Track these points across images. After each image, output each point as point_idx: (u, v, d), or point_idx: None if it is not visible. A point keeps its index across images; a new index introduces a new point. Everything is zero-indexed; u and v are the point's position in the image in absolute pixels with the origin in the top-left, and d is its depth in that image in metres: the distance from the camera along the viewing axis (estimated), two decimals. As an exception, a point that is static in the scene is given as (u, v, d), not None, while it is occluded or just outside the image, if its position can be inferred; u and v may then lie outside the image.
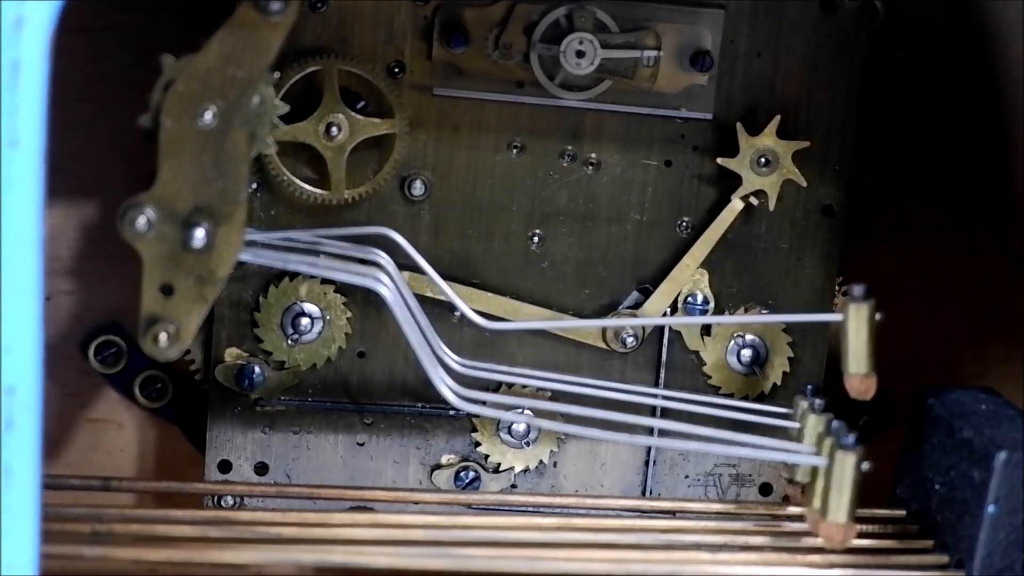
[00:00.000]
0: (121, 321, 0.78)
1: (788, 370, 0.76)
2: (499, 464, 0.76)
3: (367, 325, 0.74)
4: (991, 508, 0.64)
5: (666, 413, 0.74)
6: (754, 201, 0.74)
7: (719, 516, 0.70)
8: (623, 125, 0.73)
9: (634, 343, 0.75)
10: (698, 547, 0.65)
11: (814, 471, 0.65)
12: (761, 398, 0.75)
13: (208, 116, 0.59)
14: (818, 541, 0.65)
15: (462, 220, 0.74)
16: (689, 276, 0.74)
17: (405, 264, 0.72)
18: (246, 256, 0.62)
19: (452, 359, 0.69)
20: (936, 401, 0.69)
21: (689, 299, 0.75)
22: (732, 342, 0.76)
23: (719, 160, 0.73)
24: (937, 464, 0.67)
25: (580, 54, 0.71)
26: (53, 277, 0.77)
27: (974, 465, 0.64)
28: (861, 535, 0.66)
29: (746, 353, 0.75)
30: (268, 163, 0.70)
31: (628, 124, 0.73)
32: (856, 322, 0.66)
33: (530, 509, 0.71)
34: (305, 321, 0.73)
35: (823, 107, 0.74)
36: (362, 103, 0.71)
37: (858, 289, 0.66)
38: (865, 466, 0.64)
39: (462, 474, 0.76)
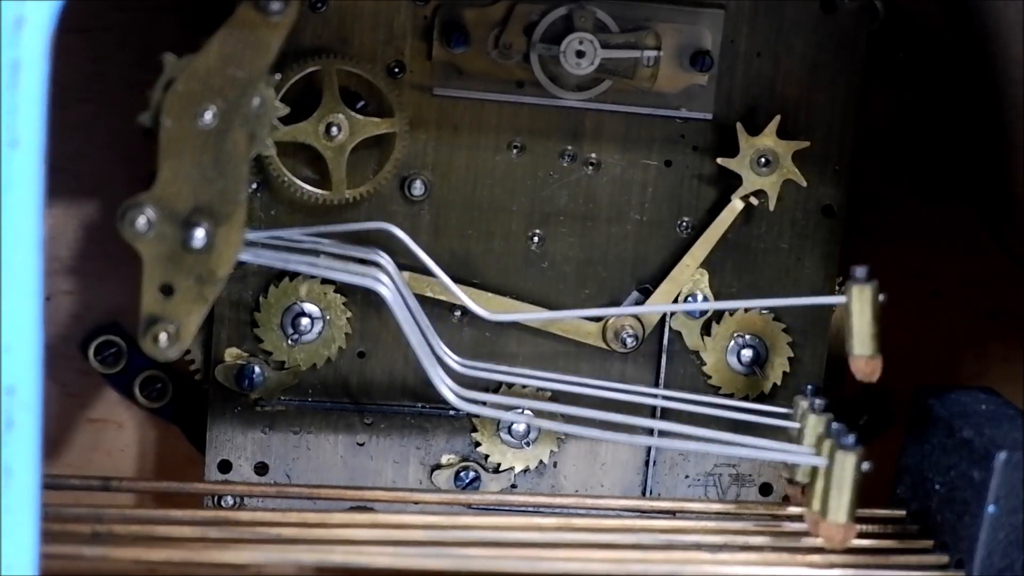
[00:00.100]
0: (121, 321, 0.78)
1: (788, 370, 0.76)
2: (499, 464, 0.76)
3: (367, 325, 0.74)
4: (991, 508, 0.64)
5: (666, 413, 0.74)
6: (754, 201, 0.74)
7: (719, 516, 0.70)
8: (623, 125, 0.73)
9: (634, 343, 0.75)
10: (698, 547, 0.65)
11: (814, 471, 0.65)
12: (761, 398, 0.75)
13: (208, 116, 0.59)
14: (818, 541, 0.65)
15: (462, 220, 0.74)
16: (689, 276, 0.74)
17: (405, 264, 0.73)
18: (246, 256, 0.62)
19: (452, 359, 0.69)
20: (936, 401, 0.69)
21: (689, 299, 0.75)
22: (732, 342, 0.76)
23: (719, 160, 0.73)
24: (937, 464, 0.67)
25: (580, 54, 0.71)
26: (53, 277, 0.77)
27: (974, 465, 0.64)
28: (861, 535, 0.66)
29: (746, 353, 0.75)
30: (268, 163, 0.70)
31: (628, 124, 0.73)
32: (859, 303, 0.66)
33: (530, 509, 0.71)
34: (305, 321, 0.73)
35: (823, 107, 0.74)
36: (362, 103, 0.71)
37: (860, 271, 0.66)
38: (865, 466, 0.64)
39: (462, 474, 0.76)
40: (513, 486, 0.77)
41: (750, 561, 0.64)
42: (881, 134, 0.79)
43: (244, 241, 0.61)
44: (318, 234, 0.68)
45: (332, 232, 0.68)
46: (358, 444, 0.76)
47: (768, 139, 0.72)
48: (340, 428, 0.75)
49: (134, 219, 0.60)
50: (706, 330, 0.76)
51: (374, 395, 0.75)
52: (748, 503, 0.75)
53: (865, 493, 0.65)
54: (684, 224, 0.75)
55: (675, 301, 0.75)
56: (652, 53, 0.72)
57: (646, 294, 0.75)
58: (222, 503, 0.74)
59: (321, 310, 0.73)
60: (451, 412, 0.75)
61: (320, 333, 0.74)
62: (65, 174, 0.75)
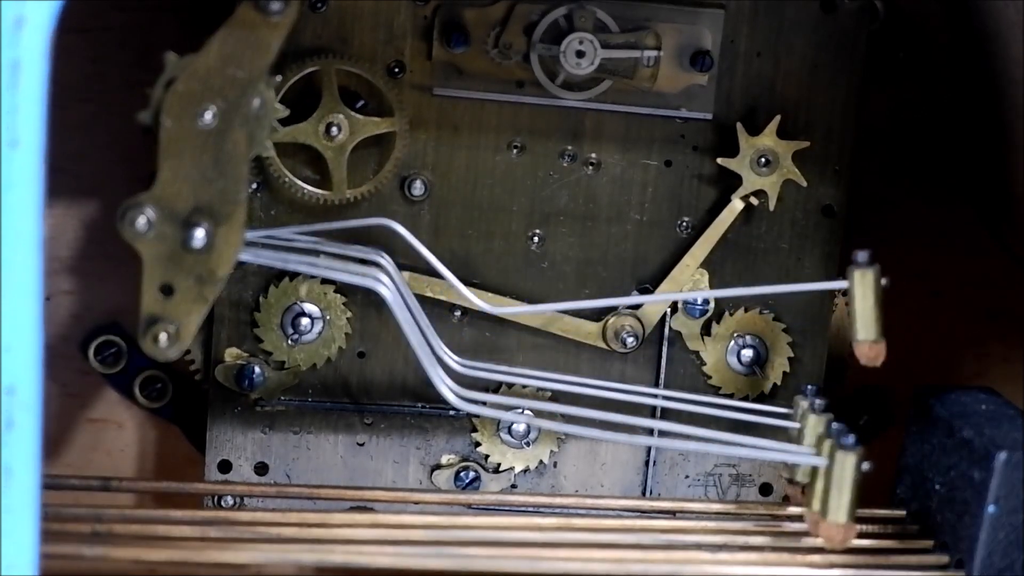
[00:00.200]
0: (121, 321, 0.78)
1: (788, 370, 0.76)
2: (499, 464, 0.76)
3: (367, 325, 0.74)
4: (991, 508, 0.64)
5: (666, 413, 0.74)
6: (754, 201, 0.74)
7: (719, 516, 0.70)
8: (623, 125, 0.73)
9: (634, 343, 0.75)
10: (698, 547, 0.65)
11: (814, 471, 0.65)
12: (761, 398, 0.75)
13: (208, 116, 0.59)
14: (818, 541, 0.65)
15: (462, 220, 0.74)
16: (689, 276, 0.74)
17: (405, 264, 0.73)
18: (246, 256, 0.62)
19: (452, 359, 0.69)
20: (936, 401, 0.69)
21: (689, 299, 0.75)
22: (732, 342, 0.76)
23: (719, 160, 0.73)
24: (937, 464, 0.67)
25: (580, 54, 0.71)
26: (53, 277, 0.77)
27: (974, 465, 0.64)
28: (861, 535, 0.66)
29: (746, 353, 0.75)
30: (268, 164, 0.70)
31: (628, 124, 0.73)
32: (862, 288, 0.66)
33: (530, 509, 0.71)
34: (305, 321, 0.73)
35: (823, 107, 0.74)
36: (361, 102, 0.71)
37: (862, 255, 0.66)
38: (865, 466, 0.64)
39: (462, 474, 0.76)
40: (513, 486, 0.77)
41: (750, 561, 0.64)
42: (881, 134, 0.79)
43: (244, 241, 0.61)
44: (319, 232, 0.68)
45: (333, 230, 0.68)
46: (358, 444, 0.76)
47: (768, 139, 0.72)
48: (340, 428, 0.75)
49: (134, 219, 0.60)
50: (706, 330, 0.76)
51: (374, 395, 0.75)
52: (748, 503, 0.75)
53: (865, 493, 0.65)
54: (684, 224, 0.75)
55: (675, 301, 0.75)
56: (652, 53, 0.72)
57: (646, 294, 0.75)
58: (222, 503, 0.74)
59: (321, 310, 0.73)
60: (451, 412, 0.75)
61: (320, 333, 0.74)
62: (65, 174, 0.75)
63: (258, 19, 0.59)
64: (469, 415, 0.75)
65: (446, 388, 0.64)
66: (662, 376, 0.76)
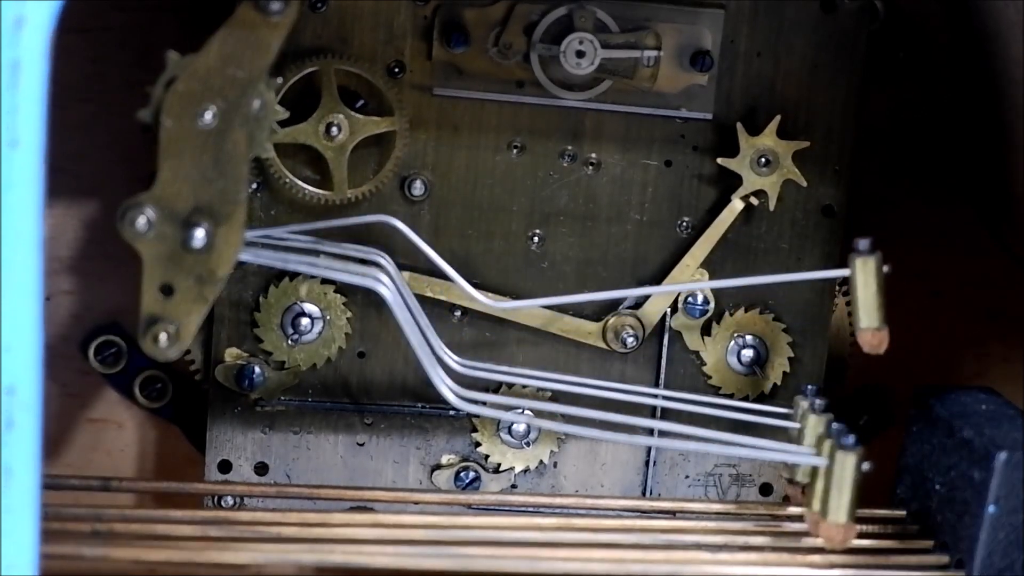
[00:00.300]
0: (121, 321, 0.78)
1: (788, 370, 0.76)
2: (499, 464, 0.76)
3: (367, 325, 0.74)
4: (991, 508, 0.63)
5: (666, 413, 0.74)
6: (754, 201, 0.74)
7: (719, 516, 0.70)
8: (623, 125, 0.73)
9: (634, 343, 0.75)
10: (698, 547, 0.65)
11: (814, 471, 0.65)
12: (761, 398, 0.75)
13: (208, 116, 0.59)
14: (818, 541, 0.65)
15: (462, 220, 0.74)
16: (689, 276, 0.74)
17: (405, 264, 0.73)
18: (246, 256, 0.62)
19: (452, 359, 0.69)
20: (936, 401, 0.69)
21: (689, 299, 0.75)
22: (732, 342, 0.76)
23: (719, 160, 0.73)
24: (937, 464, 0.67)
25: (580, 54, 0.71)
26: (53, 277, 0.77)
27: (974, 465, 0.64)
28: (861, 535, 0.66)
29: (746, 353, 0.75)
30: (269, 165, 0.70)
31: (628, 124, 0.73)
32: (863, 275, 0.66)
33: (530, 509, 0.71)
34: (305, 321, 0.73)
35: (823, 107, 0.74)
36: (361, 102, 0.71)
37: (863, 243, 0.66)
38: (865, 466, 0.64)
39: (462, 474, 0.76)
40: (513, 486, 0.77)
41: (750, 561, 0.64)
42: (881, 134, 0.79)
43: (244, 241, 0.61)
44: (319, 231, 0.68)
45: (333, 229, 0.68)
46: (358, 444, 0.76)
47: (768, 139, 0.72)
48: (340, 428, 0.75)
49: (134, 219, 0.60)
50: (706, 330, 0.76)
51: (374, 395, 0.75)
52: (748, 503, 0.75)
53: (865, 493, 0.65)
54: (684, 224, 0.75)
55: (675, 301, 0.75)
56: (652, 53, 0.72)
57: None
58: (222, 503, 0.74)
59: (321, 310, 0.73)
60: (451, 412, 0.75)
61: (320, 333, 0.74)
62: (65, 174, 0.75)
63: (258, 19, 0.59)
64: (469, 415, 0.75)
65: (446, 388, 0.64)
66: (662, 376, 0.76)
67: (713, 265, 0.74)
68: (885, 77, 0.78)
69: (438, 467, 0.76)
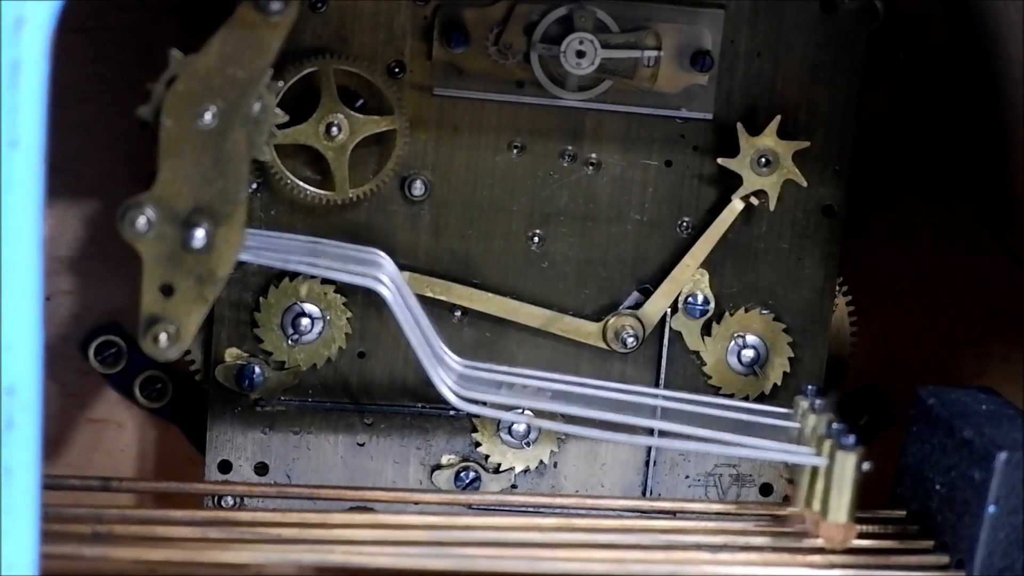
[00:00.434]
0: (121, 321, 0.78)
1: (788, 370, 0.76)
2: (499, 464, 0.76)
3: (367, 325, 0.74)
4: (991, 508, 0.63)
5: (666, 413, 0.74)
6: (754, 201, 0.74)
7: (719, 516, 0.70)
8: (623, 125, 0.73)
9: (634, 343, 0.75)
10: (698, 547, 0.65)
11: (814, 472, 0.65)
12: (761, 398, 0.75)
13: (208, 116, 0.59)
14: (818, 541, 0.65)
15: (462, 220, 0.74)
16: (689, 276, 0.74)
17: (405, 264, 0.73)
18: (246, 256, 0.62)
19: (452, 359, 0.69)
20: (936, 401, 0.69)
21: (689, 299, 0.75)
22: (732, 342, 0.76)
23: (719, 160, 0.73)
24: (937, 464, 0.67)
25: (580, 54, 0.71)
26: (53, 277, 0.77)
27: (974, 465, 0.64)
28: (861, 535, 0.66)
29: (746, 353, 0.75)
30: (270, 166, 0.70)
31: (628, 124, 0.73)
32: (841, 469, 0.63)
33: (530, 509, 0.71)
34: (305, 321, 0.73)
35: (823, 107, 0.74)
36: (360, 101, 0.71)
37: (849, 439, 0.64)
38: (865, 466, 0.64)
39: (462, 474, 0.76)
40: (513, 486, 0.77)
41: (750, 561, 0.64)
42: (881, 134, 0.79)
43: (244, 241, 0.61)
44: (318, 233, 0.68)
45: (333, 229, 0.68)
46: (358, 444, 0.76)
47: (768, 139, 0.72)
48: (340, 428, 0.75)
49: (134, 219, 0.59)
50: (706, 330, 0.75)
51: (374, 395, 0.75)
52: (748, 503, 0.75)
53: (865, 493, 0.65)
54: (684, 224, 0.75)
55: (675, 301, 0.75)
56: (652, 53, 0.72)
57: (646, 294, 0.75)
58: (222, 503, 0.74)
59: (321, 310, 0.73)
60: (451, 412, 0.75)
61: (320, 333, 0.74)
62: (65, 174, 0.75)
63: (258, 19, 0.59)
64: (469, 415, 0.75)
65: (446, 388, 0.64)
66: (662, 376, 0.76)
67: (713, 265, 0.75)
68: (885, 77, 0.78)
69: (438, 467, 0.76)
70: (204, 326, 0.72)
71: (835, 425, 0.66)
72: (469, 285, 0.74)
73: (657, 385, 0.75)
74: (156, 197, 0.60)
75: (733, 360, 0.76)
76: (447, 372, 0.66)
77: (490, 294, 0.74)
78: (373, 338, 0.74)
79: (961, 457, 0.65)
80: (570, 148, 0.74)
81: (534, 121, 0.73)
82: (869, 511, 0.68)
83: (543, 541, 0.64)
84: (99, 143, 0.76)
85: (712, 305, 0.75)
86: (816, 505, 0.65)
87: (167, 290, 0.60)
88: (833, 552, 0.65)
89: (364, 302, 0.74)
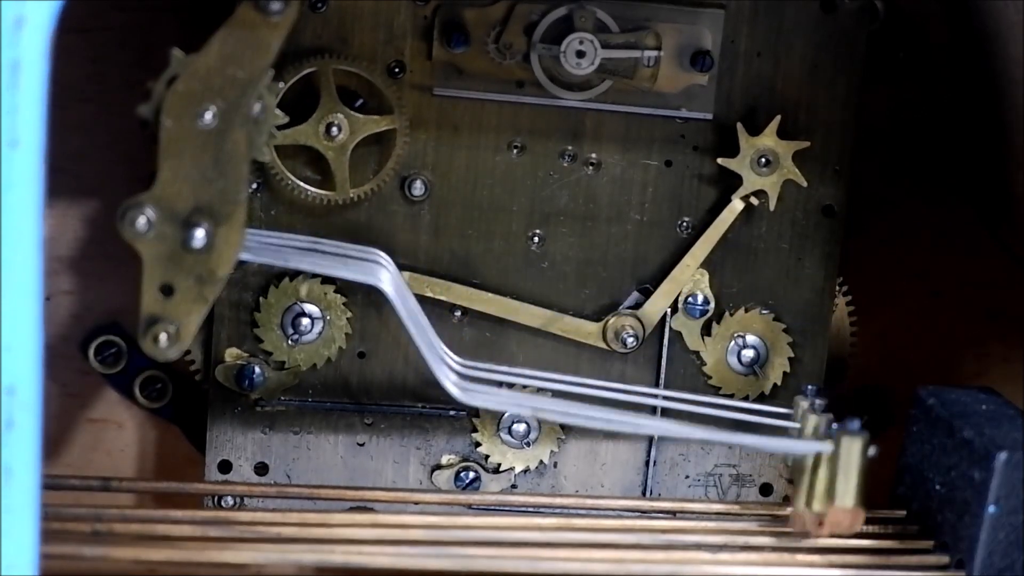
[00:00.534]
0: (121, 321, 0.78)
1: (788, 370, 0.76)
2: (499, 464, 0.76)
3: (367, 325, 0.74)
4: (991, 508, 0.63)
5: (666, 414, 0.74)
6: (754, 201, 0.74)
7: (719, 516, 0.70)
8: (623, 125, 0.73)
9: (634, 343, 0.75)
10: (698, 547, 0.65)
11: (816, 465, 0.65)
12: (761, 398, 0.75)
13: (208, 116, 0.59)
14: (819, 542, 0.65)
15: (462, 220, 0.74)
16: (689, 276, 0.74)
17: (405, 264, 0.73)
18: (246, 255, 0.62)
19: (452, 360, 0.69)
20: (936, 401, 0.69)
21: (689, 299, 0.75)
22: (732, 342, 0.76)
23: (719, 160, 0.73)
24: (937, 464, 0.67)
25: (580, 54, 0.71)
26: (53, 277, 0.77)
27: (974, 465, 0.64)
28: (861, 535, 0.66)
29: (746, 353, 0.75)
30: (270, 166, 0.70)
31: (628, 124, 0.73)
32: (848, 454, 0.64)
33: (530, 509, 0.71)
34: (305, 321, 0.73)
35: (823, 107, 0.74)
36: (360, 101, 0.71)
37: (853, 424, 0.64)
38: (871, 451, 0.64)
39: (462, 474, 0.76)
40: (513, 486, 0.77)
41: (750, 561, 0.64)
42: (881, 134, 0.79)
43: (244, 241, 0.61)
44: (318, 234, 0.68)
45: (332, 229, 0.68)
46: (358, 444, 0.76)
47: (768, 139, 0.72)
48: (340, 428, 0.75)
49: (134, 219, 0.60)
50: (706, 330, 0.75)
51: (374, 395, 0.75)
52: (748, 503, 0.75)
53: (865, 493, 0.65)
54: (684, 224, 0.75)
55: (675, 301, 0.75)
56: (652, 53, 0.72)
57: (646, 294, 0.75)
58: (222, 503, 0.74)
59: (321, 310, 0.73)
60: (451, 412, 0.75)
61: (320, 333, 0.74)
62: (65, 174, 0.75)
63: (258, 19, 0.59)
64: (469, 415, 0.75)
65: (448, 381, 0.64)
66: (662, 376, 0.76)
67: (713, 265, 0.75)
68: (885, 77, 0.78)
69: (438, 467, 0.76)
70: (204, 326, 0.72)
71: (835, 425, 0.65)
72: (469, 285, 0.74)
73: (657, 385, 0.75)
74: (156, 197, 0.60)
75: (733, 360, 0.76)
76: (448, 371, 0.66)
77: (490, 294, 0.74)
78: (373, 338, 0.74)
79: (961, 457, 0.65)
80: (570, 148, 0.74)
81: (534, 121, 0.73)
82: (869, 511, 0.68)
83: (543, 541, 0.64)
84: (99, 143, 0.76)
85: (712, 305, 0.75)
86: (819, 498, 0.65)
87: (167, 290, 0.60)
88: (833, 552, 0.65)
89: (364, 302, 0.74)
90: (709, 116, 0.73)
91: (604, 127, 0.73)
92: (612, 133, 0.73)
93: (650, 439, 0.76)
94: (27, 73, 0.49)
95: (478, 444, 0.76)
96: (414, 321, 0.65)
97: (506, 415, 0.75)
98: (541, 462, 0.76)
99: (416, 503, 0.70)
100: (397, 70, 0.72)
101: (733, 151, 0.73)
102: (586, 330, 0.75)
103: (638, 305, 0.75)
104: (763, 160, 0.73)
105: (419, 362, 0.66)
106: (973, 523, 0.64)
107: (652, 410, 0.75)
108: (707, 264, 0.74)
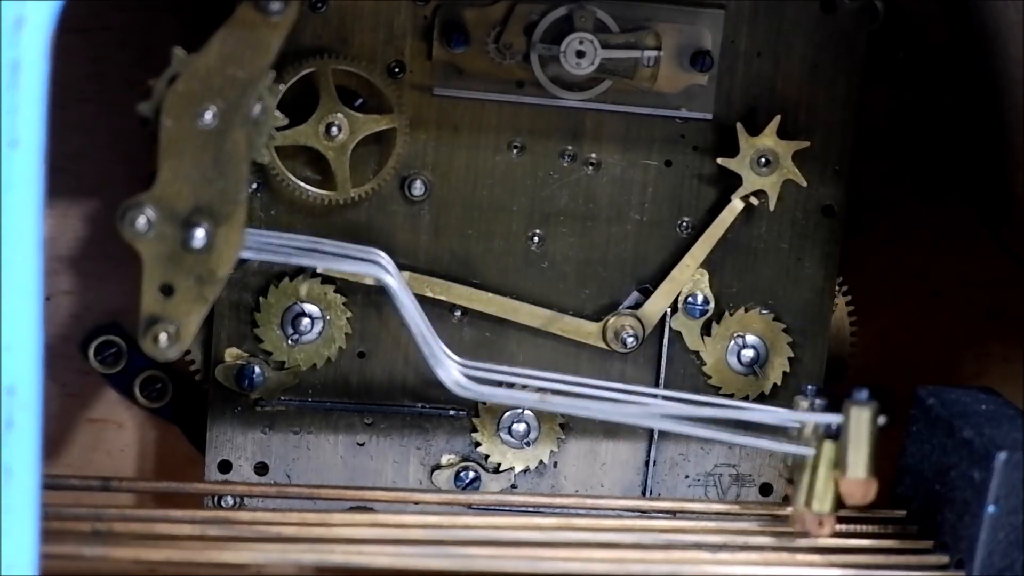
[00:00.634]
0: (121, 321, 0.78)
1: (788, 370, 0.76)
2: (499, 464, 0.76)
3: (367, 325, 0.74)
4: (991, 508, 0.63)
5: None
6: (754, 201, 0.74)
7: (719, 516, 0.70)
8: (623, 125, 0.73)
9: (634, 343, 0.75)
10: (698, 547, 0.65)
11: (815, 463, 0.65)
12: (761, 398, 0.75)
13: (208, 116, 0.59)
14: (819, 542, 0.65)
15: (462, 220, 0.74)
16: (689, 276, 0.74)
17: (405, 264, 0.73)
18: (247, 253, 0.62)
19: (452, 360, 0.69)
20: (936, 401, 0.69)
21: (689, 299, 0.75)
22: (732, 342, 0.76)
23: (719, 160, 0.73)
24: (937, 464, 0.67)
25: (580, 54, 0.71)
26: (53, 277, 0.77)
27: (974, 465, 0.64)
28: (861, 535, 0.66)
29: (746, 353, 0.75)
30: (270, 167, 0.70)
31: (628, 124, 0.73)
32: (857, 425, 0.64)
33: (530, 509, 0.71)
34: (305, 321, 0.73)
35: (823, 107, 0.74)
36: (360, 100, 0.71)
37: (861, 393, 0.64)
38: (881, 420, 0.64)
39: (462, 474, 0.76)
40: (513, 486, 0.77)
41: (750, 561, 0.64)
42: (881, 134, 0.79)
43: (244, 241, 0.61)
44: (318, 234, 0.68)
45: (332, 229, 0.68)
46: (358, 444, 0.76)
47: (768, 139, 0.72)
48: (340, 428, 0.75)
49: (134, 219, 0.60)
50: (706, 330, 0.76)
51: (374, 395, 0.75)
52: (748, 503, 0.75)
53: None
54: (684, 224, 0.75)
55: (675, 301, 0.75)
56: (652, 53, 0.72)
57: (646, 294, 0.75)
58: (222, 503, 0.74)
59: (321, 310, 0.73)
60: (451, 412, 0.75)
61: (320, 333, 0.74)
62: (65, 174, 0.75)
63: (258, 19, 0.59)
64: (469, 415, 0.75)
65: (448, 378, 0.64)
66: (662, 376, 0.76)
67: (713, 265, 0.75)
68: (885, 77, 0.78)
69: (438, 467, 0.76)
70: (204, 326, 0.72)
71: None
72: (469, 285, 0.74)
73: (657, 385, 0.75)
74: (156, 197, 0.60)
75: (733, 360, 0.76)
76: (448, 369, 0.66)
77: (490, 294, 0.74)
78: (373, 338, 0.74)
79: (961, 457, 0.65)
80: (570, 148, 0.74)
81: (534, 121, 0.73)
82: (869, 511, 0.68)
83: (543, 541, 0.64)
84: (99, 143, 0.76)
85: (712, 305, 0.75)
86: (819, 497, 0.64)
87: (167, 290, 0.60)
88: (833, 552, 0.65)
89: (364, 302, 0.74)
90: (709, 116, 0.73)
91: (604, 127, 0.73)
92: (612, 133, 0.73)
93: (650, 439, 0.76)
94: (27, 73, 0.49)
95: (478, 444, 0.76)
96: (414, 313, 0.65)
97: (506, 415, 0.75)
98: (541, 462, 0.76)
99: (416, 503, 0.70)
100: (397, 70, 0.72)
101: (733, 151, 0.73)
102: (586, 330, 0.75)
103: (638, 305, 0.75)
104: (763, 160, 0.73)
105: (419, 362, 0.66)
106: (973, 523, 0.64)
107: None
108: (707, 264, 0.74)
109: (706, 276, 0.75)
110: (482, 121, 0.73)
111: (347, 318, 0.74)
